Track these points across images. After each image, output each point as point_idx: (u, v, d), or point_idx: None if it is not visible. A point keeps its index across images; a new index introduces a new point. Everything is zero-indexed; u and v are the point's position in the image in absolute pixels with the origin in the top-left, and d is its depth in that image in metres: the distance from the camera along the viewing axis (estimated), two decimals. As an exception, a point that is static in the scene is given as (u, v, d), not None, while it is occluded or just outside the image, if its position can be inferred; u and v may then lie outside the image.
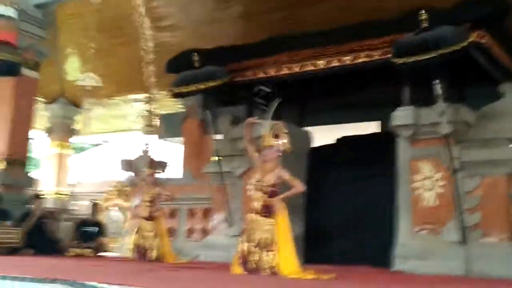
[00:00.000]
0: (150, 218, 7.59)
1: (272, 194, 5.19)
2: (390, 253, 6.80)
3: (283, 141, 5.26)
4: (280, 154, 5.32)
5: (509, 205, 6.55)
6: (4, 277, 3.81)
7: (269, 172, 5.22)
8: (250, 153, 5.53)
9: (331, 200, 8.22)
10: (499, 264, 6.22)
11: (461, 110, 6.76)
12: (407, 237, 6.84)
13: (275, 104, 5.67)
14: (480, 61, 6.87)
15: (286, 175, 5.22)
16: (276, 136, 5.27)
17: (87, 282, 3.43)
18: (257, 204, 5.22)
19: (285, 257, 5.03)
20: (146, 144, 8.39)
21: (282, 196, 5.24)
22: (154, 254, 7.40)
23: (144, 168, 7.91)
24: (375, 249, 7.27)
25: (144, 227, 7.55)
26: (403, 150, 7.07)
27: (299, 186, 5.30)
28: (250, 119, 5.73)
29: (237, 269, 5.17)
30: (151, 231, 7.49)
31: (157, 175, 8.09)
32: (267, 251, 5.05)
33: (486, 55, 6.81)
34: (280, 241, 5.07)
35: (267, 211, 5.17)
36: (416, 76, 7.18)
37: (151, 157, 8.15)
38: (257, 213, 5.22)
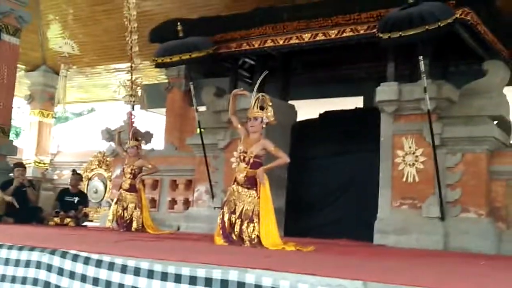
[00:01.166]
0: (131, 190, 7.56)
1: (255, 165, 5.18)
2: (371, 227, 6.87)
3: (268, 113, 5.24)
4: (265, 126, 5.30)
5: (488, 181, 6.65)
6: (-18, 245, 3.78)
7: (253, 143, 5.21)
8: (235, 125, 5.51)
9: (314, 174, 8.27)
10: (477, 239, 6.35)
11: (444, 87, 6.79)
12: (387, 212, 6.93)
13: (261, 76, 5.63)
14: (465, 39, 6.89)
15: (271, 146, 5.22)
16: (261, 108, 5.25)
17: (67, 250, 3.42)
18: (240, 175, 5.21)
19: (267, 229, 5.05)
20: (128, 113, 8.28)
21: (266, 166, 5.24)
22: (134, 224, 7.39)
23: (128, 140, 7.84)
24: (357, 223, 7.36)
25: (125, 198, 7.52)
26: (386, 126, 7.11)
27: (284, 158, 5.30)
28: (236, 90, 5.68)
29: (219, 240, 5.18)
30: (132, 202, 7.46)
31: (141, 147, 8.02)
32: (249, 222, 5.07)
33: (470, 33, 6.83)
34: (261, 213, 5.08)
35: (250, 182, 5.16)
36: (401, 52, 7.20)
37: (136, 128, 8.07)
38: (239, 184, 5.22)
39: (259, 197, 5.12)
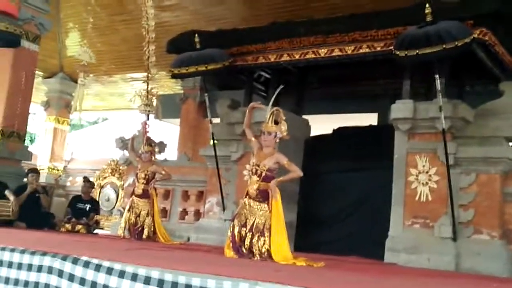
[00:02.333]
0: (143, 196, 7.56)
1: (267, 179, 5.18)
2: (382, 245, 6.83)
3: (282, 128, 5.25)
4: (278, 140, 5.32)
5: (502, 203, 6.59)
6: (-6, 248, 3.81)
7: (266, 157, 5.22)
8: (249, 137, 5.52)
9: (326, 189, 8.25)
10: (489, 261, 6.27)
11: (460, 107, 6.76)
12: (399, 230, 6.88)
13: (277, 90, 5.65)
14: (482, 58, 6.86)
15: (284, 160, 5.22)
16: (276, 122, 5.27)
17: (78, 257, 3.44)
18: (252, 188, 5.21)
19: (277, 243, 5.04)
20: (143, 123, 8.32)
21: (279, 179, 5.23)
22: (145, 232, 7.38)
23: (141, 146, 7.86)
24: (368, 241, 7.31)
25: (137, 204, 7.53)
26: (400, 143, 7.08)
27: (297, 171, 5.30)
28: (253, 104, 5.71)
29: (229, 253, 5.18)
30: (144, 209, 7.47)
31: (155, 153, 8.03)
32: (259, 236, 5.06)
33: (488, 53, 6.81)
34: (273, 227, 5.07)
35: (262, 195, 5.16)
36: (417, 70, 7.19)
37: (149, 134, 8.10)
38: (251, 198, 5.22)
39: (270, 211, 5.11)
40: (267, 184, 5.15)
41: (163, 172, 7.70)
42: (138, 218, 7.45)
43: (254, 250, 5.05)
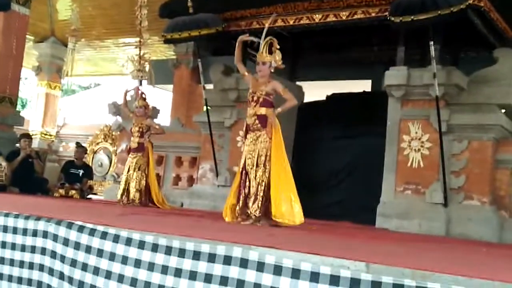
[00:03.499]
0: (138, 149, 7.54)
1: (266, 103, 5.15)
2: (374, 210, 6.90)
3: (276, 57, 5.24)
4: (273, 70, 5.29)
5: (493, 170, 6.64)
6: (-13, 212, 3.82)
7: (262, 85, 5.21)
8: (241, 72, 5.52)
9: (319, 155, 8.28)
10: (480, 227, 6.37)
11: (454, 73, 6.76)
12: (391, 196, 6.94)
13: (270, 19, 5.63)
14: (477, 25, 6.82)
15: (279, 87, 5.21)
16: (270, 52, 5.26)
17: (72, 221, 3.45)
18: (250, 116, 5.16)
19: (278, 174, 4.96)
20: (136, 88, 8.26)
21: (278, 110, 5.23)
22: (133, 187, 7.37)
23: (135, 101, 7.83)
24: (360, 206, 7.37)
25: (132, 162, 7.51)
26: (393, 110, 7.10)
27: (293, 100, 5.28)
28: (242, 36, 5.66)
29: (228, 216, 5.19)
30: (137, 164, 7.46)
31: (149, 107, 7.99)
32: (261, 168, 5.03)
33: (483, 19, 6.75)
34: (273, 157, 5.01)
35: (260, 121, 5.12)
36: (411, 36, 7.15)
37: (143, 91, 8.07)
38: (250, 130, 5.16)
39: (270, 138, 5.10)
40: (267, 110, 5.14)
41: (157, 127, 7.73)
42: (132, 176, 7.45)
43: (252, 190, 5.04)
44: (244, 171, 5.17)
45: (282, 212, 4.92)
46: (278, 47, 5.28)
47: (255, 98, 5.19)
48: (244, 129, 5.33)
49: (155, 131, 7.76)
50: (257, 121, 5.14)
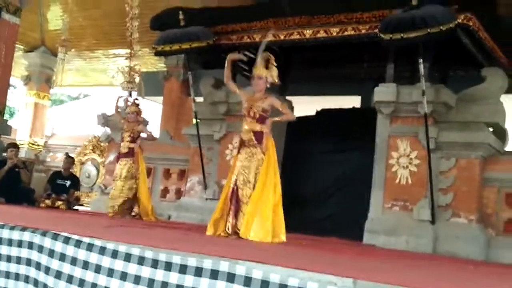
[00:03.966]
0: (128, 154, 7.48)
1: (262, 119, 5.15)
2: (362, 226, 6.89)
3: (272, 72, 5.24)
4: (269, 85, 5.29)
5: (481, 188, 6.67)
6: (-27, 223, 3.77)
7: (258, 100, 5.20)
8: (232, 90, 5.52)
9: (308, 170, 8.28)
10: (467, 245, 6.37)
11: (442, 91, 6.81)
12: (379, 212, 6.95)
13: (266, 38, 5.64)
14: (465, 44, 6.89)
15: (278, 103, 5.22)
16: (266, 67, 5.27)
17: (58, 232, 3.42)
18: (246, 132, 5.13)
19: (260, 192, 4.94)
20: (125, 100, 8.24)
21: (274, 119, 5.22)
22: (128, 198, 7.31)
23: (124, 111, 7.80)
24: (349, 222, 7.36)
25: (121, 169, 7.44)
26: (382, 126, 7.13)
27: (290, 114, 5.31)
28: (231, 55, 5.67)
29: (210, 230, 5.15)
30: (124, 171, 7.39)
31: (141, 113, 7.95)
32: (252, 182, 5.00)
33: (471, 38, 6.82)
34: (262, 173, 5.00)
35: (257, 138, 5.11)
36: (401, 53, 7.20)
37: (136, 98, 8.05)
38: (245, 145, 5.14)
39: (264, 153, 5.07)
40: (262, 126, 5.13)
41: (149, 133, 7.71)
42: (121, 187, 7.38)
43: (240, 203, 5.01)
44: (235, 187, 5.14)
45: (249, 230, 4.88)
46: (275, 63, 5.28)
47: (251, 114, 5.17)
48: (237, 143, 5.31)
49: (146, 137, 7.74)
50: (253, 138, 5.13)
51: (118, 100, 8.12)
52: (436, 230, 6.58)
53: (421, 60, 6.34)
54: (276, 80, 5.28)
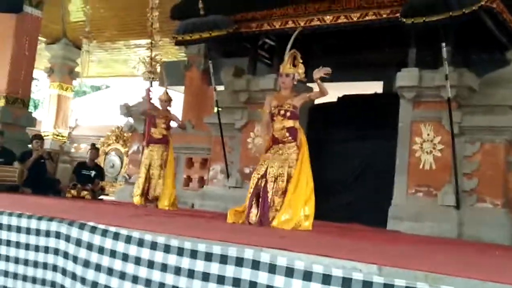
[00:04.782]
0: (162, 141, 7.49)
1: (293, 116, 5.12)
2: (386, 213, 6.87)
3: (299, 70, 5.23)
4: (296, 82, 5.28)
5: (506, 172, 6.60)
6: (1, 213, 3.84)
7: (287, 98, 5.19)
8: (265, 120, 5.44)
9: (330, 157, 8.25)
10: (492, 229, 6.33)
11: (466, 75, 6.73)
12: (402, 198, 6.92)
13: (295, 33, 5.61)
14: (489, 26, 6.78)
15: (306, 95, 5.22)
16: (294, 65, 5.26)
17: (85, 222, 3.46)
18: (278, 130, 5.12)
19: (295, 187, 4.95)
20: (147, 90, 8.28)
21: (310, 94, 5.26)
22: (154, 190, 7.30)
23: (161, 96, 7.82)
24: (372, 208, 7.34)
25: (150, 155, 7.44)
26: (405, 112, 7.08)
27: (323, 89, 5.18)
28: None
29: (231, 218, 5.16)
30: (157, 160, 7.38)
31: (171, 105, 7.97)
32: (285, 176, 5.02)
33: (495, 21, 6.72)
34: (296, 170, 4.99)
35: (291, 134, 5.09)
36: (423, 38, 7.13)
37: (153, 105, 8.06)
38: (279, 142, 5.11)
39: (299, 148, 5.06)
40: (294, 122, 5.12)
41: (180, 122, 7.79)
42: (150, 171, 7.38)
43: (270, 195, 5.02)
44: (261, 180, 5.13)
45: (281, 221, 4.90)
46: (301, 60, 5.26)
47: (281, 112, 5.13)
48: (269, 141, 5.28)
49: (178, 125, 7.79)
50: (287, 134, 5.11)
51: (148, 92, 8.12)
52: (461, 216, 6.53)
53: (443, 44, 6.27)
54: (303, 77, 5.26)
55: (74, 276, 3.37)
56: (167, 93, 7.79)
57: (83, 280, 3.29)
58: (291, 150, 5.09)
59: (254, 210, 5.11)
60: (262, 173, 5.12)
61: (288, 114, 5.12)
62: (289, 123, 5.11)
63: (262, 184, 5.09)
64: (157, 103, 7.87)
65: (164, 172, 7.35)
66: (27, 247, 3.66)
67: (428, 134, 6.88)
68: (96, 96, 22.67)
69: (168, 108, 7.74)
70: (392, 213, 6.85)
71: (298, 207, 4.96)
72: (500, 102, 6.72)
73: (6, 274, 3.72)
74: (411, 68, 7.03)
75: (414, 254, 3.80)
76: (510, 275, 2.91)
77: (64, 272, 3.47)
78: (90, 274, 3.25)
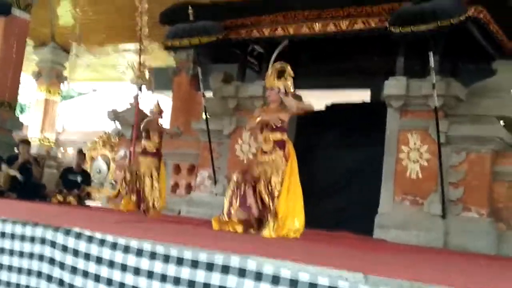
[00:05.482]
0: (155, 155, 7.49)
1: (280, 129, 5.11)
2: (372, 221, 6.89)
3: (287, 82, 5.16)
4: (282, 95, 5.19)
5: (491, 182, 6.65)
6: (-15, 219, 3.81)
7: (274, 111, 5.15)
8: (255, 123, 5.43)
9: (317, 164, 8.27)
10: (478, 239, 6.37)
11: (453, 85, 6.78)
12: (389, 207, 6.95)
13: (280, 46, 5.60)
14: (476, 36, 6.86)
15: (292, 110, 5.11)
16: (279, 78, 5.20)
17: (70, 228, 3.44)
18: (266, 143, 5.12)
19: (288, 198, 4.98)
20: (135, 96, 8.26)
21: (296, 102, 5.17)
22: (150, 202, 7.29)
23: (152, 108, 7.80)
24: (360, 216, 7.35)
25: (144, 166, 7.42)
26: (392, 120, 7.12)
27: (307, 106, 5.24)
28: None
29: (215, 225, 5.14)
30: (148, 171, 7.37)
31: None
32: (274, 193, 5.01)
33: (482, 31, 6.80)
34: (287, 180, 5.01)
35: (278, 145, 5.09)
36: (411, 47, 7.18)
37: (141, 107, 8.05)
38: (266, 153, 5.09)
39: (286, 158, 5.05)
40: (282, 134, 5.11)
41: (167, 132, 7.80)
42: (139, 181, 7.35)
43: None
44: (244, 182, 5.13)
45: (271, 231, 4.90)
46: (292, 73, 5.20)
47: (269, 126, 5.14)
48: (257, 153, 5.27)
49: (170, 135, 7.81)
50: (275, 146, 5.10)
51: (137, 98, 8.08)
52: (447, 225, 6.57)
53: (431, 53, 6.32)
54: (291, 90, 5.20)
55: (61, 283, 3.35)
56: (158, 105, 7.76)
57: (71, 286, 3.26)
58: (278, 156, 5.08)
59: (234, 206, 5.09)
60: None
61: (275, 127, 5.11)
62: (277, 136, 5.11)
63: (246, 187, 5.08)
64: (144, 109, 7.88)
65: (157, 183, 7.35)
66: (11, 252, 3.63)
67: (415, 143, 6.92)
68: (84, 100, 22.54)
69: (160, 120, 7.75)
70: (378, 222, 6.88)
71: (288, 219, 4.96)
72: (486, 112, 6.78)
73: (-10, 280, 3.68)
74: (398, 77, 7.08)
75: (399, 262, 3.81)
76: (494, 284, 2.93)
77: (49, 278, 3.45)
78: (78, 281, 3.23)
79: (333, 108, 8.84)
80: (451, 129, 6.74)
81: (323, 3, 7.45)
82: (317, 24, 7.51)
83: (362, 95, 9.72)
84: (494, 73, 7.05)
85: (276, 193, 4.99)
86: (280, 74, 5.20)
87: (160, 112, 7.70)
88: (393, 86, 7.00)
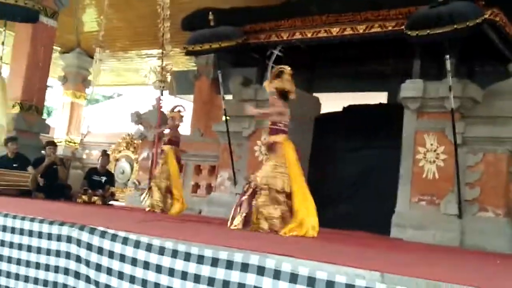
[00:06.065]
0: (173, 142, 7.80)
1: (273, 132, 5.27)
2: (389, 221, 6.98)
3: (285, 83, 5.26)
4: (275, 96, 5.30)
5: (508, 182, 6.69)
6: (14, 217, 3.97)
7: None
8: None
9: (335, 166, 8.39)
10: (494, 239, 6.40)
11: (469, 86, 6.84)
12: (406, 207, 7.02)
13: (275, 53, 5.74)
14: (492, 39, 6.90)
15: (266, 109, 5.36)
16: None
17: (95, 227, 3.58)
18: (264, 144, 5.31)
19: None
20: (157, 98, 8.48)
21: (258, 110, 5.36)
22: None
23: (171, 110, 8.04)
24: (376, 217, 7.43)
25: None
26: (409, 122, 7.19)
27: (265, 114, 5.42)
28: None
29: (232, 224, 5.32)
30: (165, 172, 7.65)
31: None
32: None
33: (498, 33, 6.84)
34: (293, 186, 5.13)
35: (269, 149, 5.28)
36: (427, 49, 7.25)
37: (163, 113, 8.28)
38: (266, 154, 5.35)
39: (284, 163, 5.16)
40: (275, 137, 5.23)
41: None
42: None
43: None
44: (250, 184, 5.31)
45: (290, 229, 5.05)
46: (289, 77, 5.30)
47: (268, 127, 5.34)
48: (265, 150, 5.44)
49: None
50: (267, 150, 5.30)
51: (159, 101, 8.30)
52: (463, 224, 6.62)
53: (447, 56, 6.38)
54: (280, 87, 5.27)
55: (88, 279, 3.48)
56: (180, 114, 7.97)
57: (96, 283, 3.40)
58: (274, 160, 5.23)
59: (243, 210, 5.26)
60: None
61: (270, 130, 5.28)
62: (271, 138, 5.27)
63: (249, 192, 5.25)
64: (165, 111, 8.10)
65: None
66: (38, 250, 3.78)
67: (431, 144, 6.99)
68: (108, 104, 22.93)
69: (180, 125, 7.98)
70: (395, 221, 6.96)
71: (305, 218, 5.09)
72: (502, 113, 6.81)
73: (17, 277, 3.83)
74: (415, 80, 7.15)
75: (416, 262, 3.87)
76: (510, 283, 3.00)
77: (77, 275, 3.57)
78: (103, 278, 3.37)
79: (350, 110, 8.94)
80: (468, 130, 6.80)
81: (341, 8, 7.56)
82: (334, 28, 7.61)
83: (379, 98, 9.79)
84: (510, 75, 7.08)
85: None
86: (278, 77, 5.33)
87: (181, 120, 7.92)
88: (410, 89, 7.08)
